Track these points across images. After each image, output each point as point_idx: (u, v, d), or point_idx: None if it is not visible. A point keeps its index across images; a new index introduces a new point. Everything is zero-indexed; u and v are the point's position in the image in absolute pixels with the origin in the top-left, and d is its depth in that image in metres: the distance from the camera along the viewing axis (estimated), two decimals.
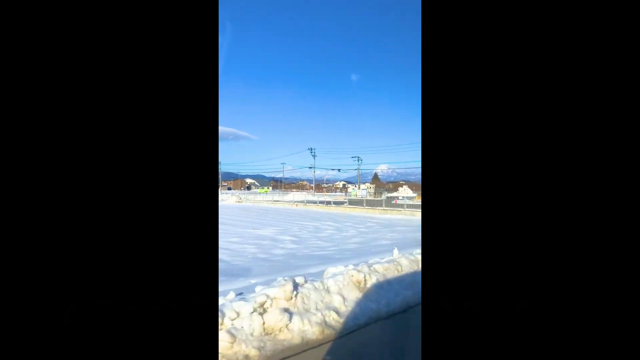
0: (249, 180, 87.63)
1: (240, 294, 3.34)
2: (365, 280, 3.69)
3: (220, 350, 2.40)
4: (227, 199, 34.87)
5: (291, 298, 3.04)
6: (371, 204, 19.52)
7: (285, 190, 54.46)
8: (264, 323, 2.71)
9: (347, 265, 4.01)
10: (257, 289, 3.18)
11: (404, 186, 52.61)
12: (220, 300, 2.98)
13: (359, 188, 41.55)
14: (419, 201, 18.73)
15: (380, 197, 22.84)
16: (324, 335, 2.78)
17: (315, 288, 3.30)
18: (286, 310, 2.88)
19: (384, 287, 3.73)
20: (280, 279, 3.21)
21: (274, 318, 2.75)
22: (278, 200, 27.74)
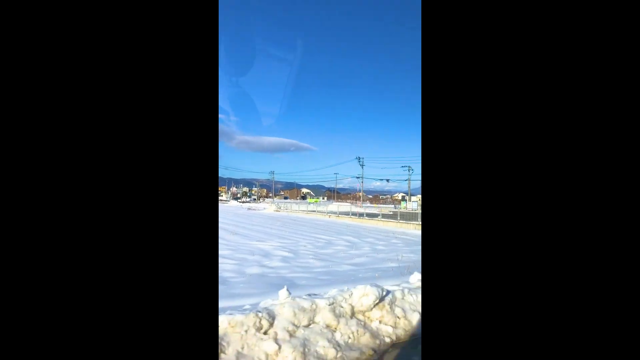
0: (304, 190, 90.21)
1: None
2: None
3: None
4: (266, 208, 35.14)
5: None
6: (406, 217, 17.80)
7: (340, 201, 53.78)
8: None
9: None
10: None
11: None
12: None
13: (409, 200, 39.23)
14: None
15: None
16: None
17: None
18: None
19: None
20: None
21: None
22: (313, 211, 26.92)
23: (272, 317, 2.69)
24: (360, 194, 54.26)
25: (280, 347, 2.47)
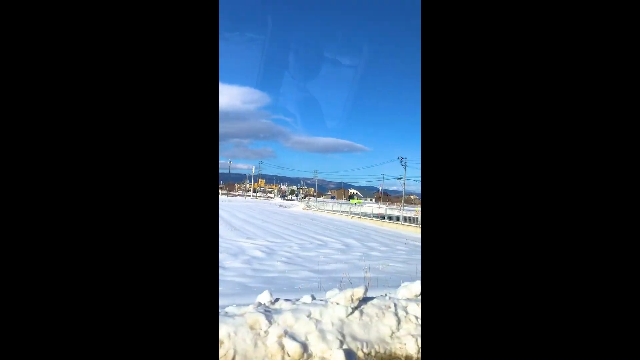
0: (352, 191, 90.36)
1: None
2: None
3: None
4: (295, 206, 35.14)
5: None
6: None
7: (388, 203, 52.56)
8: None
9: None
10: None
11: None
12: None
13: None
14: None
15: None
16: None
17: None
18: None
19: None
20: None
21: None
22: (337, 211, 26.17)
23: None
24: (415, 197, 52.56)
25: None
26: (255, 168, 72.72)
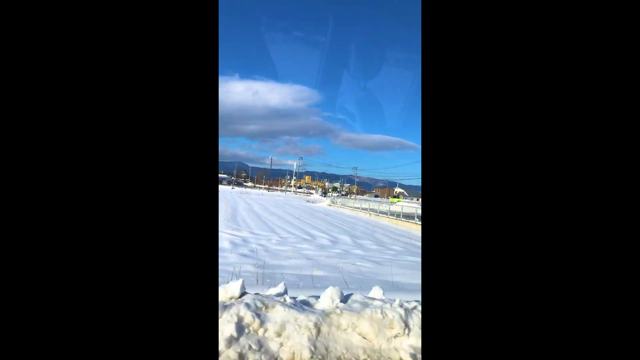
0: (397, 190, 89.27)
1: None
2: None
3: None
4: (321, 202, 35.15)
5: None
6: None
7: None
8: None
9: None
10: None
11: None
12: None
13: None
14: None
15: None
16: None
17: None
18: None
19: None
20: None
21: None
22: (357, 208, 25.74)
23: None
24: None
25: None
26: (297, 165, 73.69)
